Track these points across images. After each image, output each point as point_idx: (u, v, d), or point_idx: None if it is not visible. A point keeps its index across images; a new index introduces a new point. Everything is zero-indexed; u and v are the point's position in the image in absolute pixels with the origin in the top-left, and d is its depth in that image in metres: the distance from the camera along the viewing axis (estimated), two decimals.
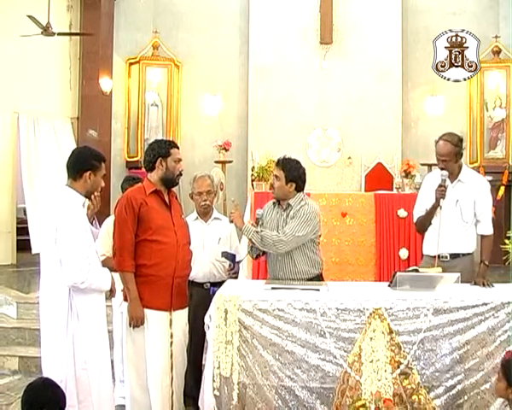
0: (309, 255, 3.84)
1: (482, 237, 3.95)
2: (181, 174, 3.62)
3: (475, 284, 3.66)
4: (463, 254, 3.90)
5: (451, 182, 3.91)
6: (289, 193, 3.84)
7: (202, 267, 4.15)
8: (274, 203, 3.95)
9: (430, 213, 3.93)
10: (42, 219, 3.31)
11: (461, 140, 3.91)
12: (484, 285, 3.60)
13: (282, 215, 3.86)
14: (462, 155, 3.91)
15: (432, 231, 3.96)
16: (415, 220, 4.13)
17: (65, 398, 2.99)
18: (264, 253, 3.93)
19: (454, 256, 3.88)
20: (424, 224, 4.01)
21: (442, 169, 3.87)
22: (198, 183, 4.24)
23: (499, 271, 7.61)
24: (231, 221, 3.88)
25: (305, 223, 3.74)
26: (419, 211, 4.06)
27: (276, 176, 3.83)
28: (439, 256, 3.86)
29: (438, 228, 3.85)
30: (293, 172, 3.82)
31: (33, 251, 7.97)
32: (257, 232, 3.73)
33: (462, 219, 3.87)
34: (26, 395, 2.97)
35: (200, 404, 3.34)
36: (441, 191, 3.81)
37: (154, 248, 3.42)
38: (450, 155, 3.85)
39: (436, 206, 3.85)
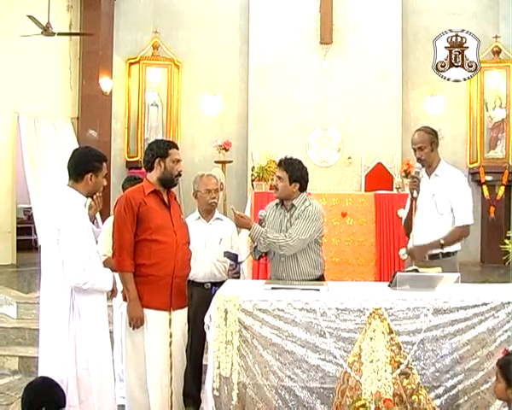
0: (312, 257, 3.83)
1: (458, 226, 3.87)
2: (180, 175, 3.60)
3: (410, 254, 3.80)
4: (443, 255, 3.85)
5: (429, 176, 3.94)
6: (293, 193, 3.81)
7: (203, 267, 4.14)
8: (277, 204, 3.93)
9: (410, 211, 3.95)
10: (44, 218, 3.30)
11: (435, 131, 3.97)
12: (414, 258, 3.70)
13: (286, 216, 3.84)
14: (437, 144, 3.95)
15: (413, 230, 3.93)
16: (402, 223, 4.15)
17: (65, 397, 2.99)
18: (266, 254, 3.93)
19: (433, 257, 3.85)
20: (409, 224, 3.99)
21: (418, 160, 3.91)
22: (205, 181, 4.20)
23: (499, 271, 7.64)
24: (237, 225, 3.87)
25: (310, 224, 3.73)
26: (405, 213, 4.09)
27: (279, 177, 3.81)
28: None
29: (414, 224, 3.87)
30: (296, 173, 3.80)
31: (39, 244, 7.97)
32: (263, 236, 3.71)
33: (438, 211, 3.86)
34: (26, 395, 2.97)
35: (203, 404, 3.33)
36: (413, 182, 3.85)
37: (154, 248, 3.41)
38: (425, 141, 3.90)
39: (411, 199, 3.89)
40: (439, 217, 3.87)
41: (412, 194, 3.89)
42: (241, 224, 3.80)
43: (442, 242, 3.78)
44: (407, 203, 4.11)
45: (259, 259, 4.05)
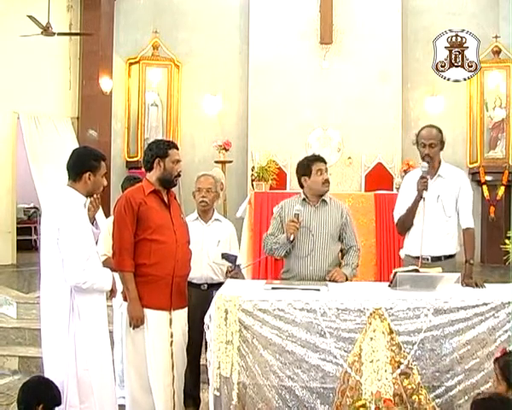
0: (335, 254, 3.92)
1: (464, 232, 3.87)
2: (179, 175, 3.59)
3: (467, 285, 3.56)
4: (445, 257, 3.85)
5: (431, 177, 3.87)
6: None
7: (199, 269, 4.10)
8: (303, 199, 3.96)
9: (412, 210, 3.86)
10: (44, 218, 3.29)
11: (442, 132, 3.97)
12: (477, 285, 3.52)
13: (316, 213, 3.92)
14: (444, 144, 3.93)
15: (414, 231, 3.89)
16: (395, 221, 4.06)
17: (60, 395, 3.00)
18: (288, 252, 3.93)
19: (435, 259, 3.83)
20: (406, 222, 3.94)
21: (426, 156, 3.84)
22: (200, 180, 4.22)
23: (499, 271, 7.63)
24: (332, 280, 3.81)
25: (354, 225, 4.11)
26: (400, 211, 3.98)
27: (326, 169, 4.02)
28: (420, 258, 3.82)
29: (422, 224, 3.79)
30: None
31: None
32: (354, 268, 3.89)
33: (445, 213, 3.84)
34: (22, 393, 2.98)
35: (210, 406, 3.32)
36: (423, 183, 3.76)
37: (154, 248, 3.41)
38: (437, 138, 3.88)
39: (418, 199, 3.80)
40: (446, 219, 3.85)
41: (421, 195, 3.78)
42: (339, 278, 3.76)
43: (472, 262, 3.76)
44: (399, 203, 4.02)
45: (282, 258, 4.06)
